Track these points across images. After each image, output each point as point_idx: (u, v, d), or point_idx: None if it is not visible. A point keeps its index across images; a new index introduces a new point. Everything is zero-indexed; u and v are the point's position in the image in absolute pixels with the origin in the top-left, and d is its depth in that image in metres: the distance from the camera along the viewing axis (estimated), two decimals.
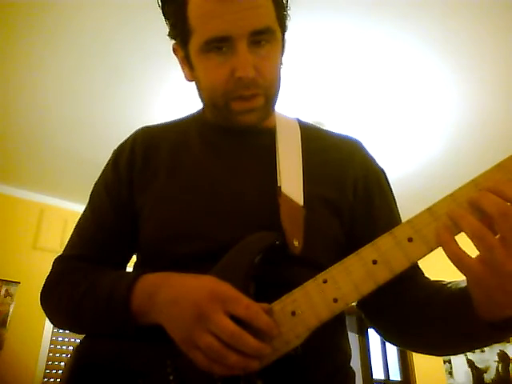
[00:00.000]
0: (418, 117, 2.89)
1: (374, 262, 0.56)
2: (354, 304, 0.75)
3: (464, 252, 0.51)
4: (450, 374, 3.87)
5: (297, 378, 0.62)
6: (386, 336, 0.76)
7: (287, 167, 0.74)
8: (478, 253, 0.51)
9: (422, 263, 0.73)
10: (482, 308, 0.54)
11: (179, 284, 0.60)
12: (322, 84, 2.63)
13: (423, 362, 4.14)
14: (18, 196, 3.87)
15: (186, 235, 0.70)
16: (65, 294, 0.72)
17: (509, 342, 3.55)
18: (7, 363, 3.33)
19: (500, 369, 3.55)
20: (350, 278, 0.57)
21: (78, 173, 3.49)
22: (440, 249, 0.53)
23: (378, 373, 4.44)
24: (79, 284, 0.71)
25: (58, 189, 3.85)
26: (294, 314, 0.58)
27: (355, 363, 4.29)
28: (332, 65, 2.48)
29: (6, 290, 3.53)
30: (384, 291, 0.69)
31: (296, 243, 0.64)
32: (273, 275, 0.64)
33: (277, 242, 0.63)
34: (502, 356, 3.56)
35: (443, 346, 0.68)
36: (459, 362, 3.81)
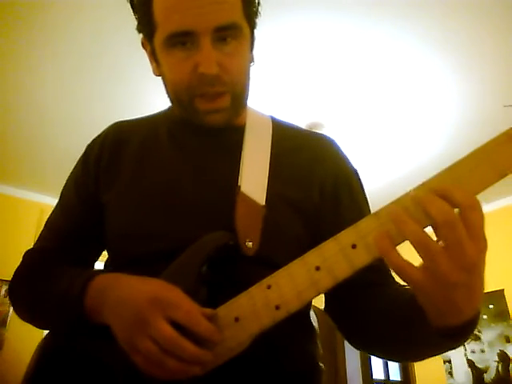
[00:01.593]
0: (417, 116, 2.89)
1: (317, 269, 0.54)
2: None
3: (405, 261, 0.48)
4: (450, 374, 3.87)
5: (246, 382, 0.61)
6: (350, 340, 0.74)
7: (251, 166, 0.73)
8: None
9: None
10: (430, 316, 0.53)
11: (127, 286, 0.60)
12: (322, 84, 2.63)
13: (423, 362, 4.10)
14: (18, 196, 3.87)
15: (146, 234, 0.70)
16: (27, 289, 0.73)
17: (509, 341, 3.55)
18: (7, 363, 3.33)
19: (500, 369, 3.55)
20: (294, 284, 0.55)
21: None
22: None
23: (378, 373, 4.43)
24: (40, 281, 0.72)
25: (58, 189, 3.83)
26: (237, 319, 0.56)
27: (355, 363, 4.28)
28: (331, 65, 2.48)
29: (6, 290, 3.54)
30: (350, 297, 0.68)
31: (249, 244, 0.64)
32: (229, 275, 0.63)
33: (230, 243, 0.63)
34: (502, 356, 3.56)
35: (401, 352, 0.68)
36: (459, 362, 3.80)
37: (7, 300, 3.51)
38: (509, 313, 3.62)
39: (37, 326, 0.74)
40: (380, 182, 3.46)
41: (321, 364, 0.70)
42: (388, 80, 2.58)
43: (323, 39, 2.30)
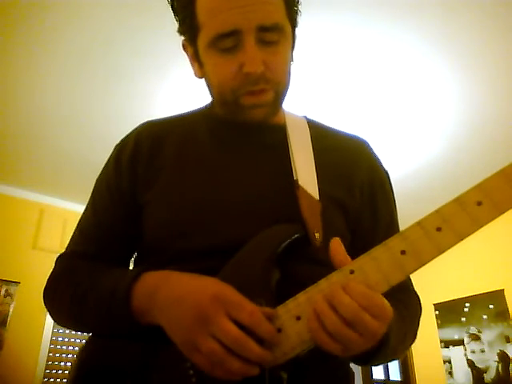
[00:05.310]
0: (418, 116, 2.89)
1: (403, 253, 0.54)
2: None
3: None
4: (450, 374, 3.87)
5: (297, 378, 0.61)
6: None
7: (302, 162, 0.74)
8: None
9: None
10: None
11: (181, 284, 0.59)
12: (322, 84, 2.63)
13: (423, 362, 4.14)
14: (18, 196, 3.87)
15: (196, 232, 0.69)
16: (67, 293, 0.71)
17: (509, 341, 3.55)
18: (7, 363, 3.33)
19: (500, 369, 3.55)
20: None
21: (78, 173, 3.49)
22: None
23: (378, 373, 4.44)
24: (80, 284, 0.70)
25: (58, 189, 3.85)
26: (298, 318, 0.56)
27: None
28: (332, 64, 2.48)
29: (6, 290, 3.53)
30: None
31: (317, 235, 0.64)
32: (290, 271, 0.63)
33: (296, 235, 0.63)
34: (502, 356, 3.56)
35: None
36: (459, 362, 3.81)
37: (7, 300, 3.51)
38: (509, 313, 3.62)
39: (77, 330, 0.73)
40: None
41: (351, 367, 0.71)
42: (388, 80, 2.58)
43: (323, 39, 2.31)
